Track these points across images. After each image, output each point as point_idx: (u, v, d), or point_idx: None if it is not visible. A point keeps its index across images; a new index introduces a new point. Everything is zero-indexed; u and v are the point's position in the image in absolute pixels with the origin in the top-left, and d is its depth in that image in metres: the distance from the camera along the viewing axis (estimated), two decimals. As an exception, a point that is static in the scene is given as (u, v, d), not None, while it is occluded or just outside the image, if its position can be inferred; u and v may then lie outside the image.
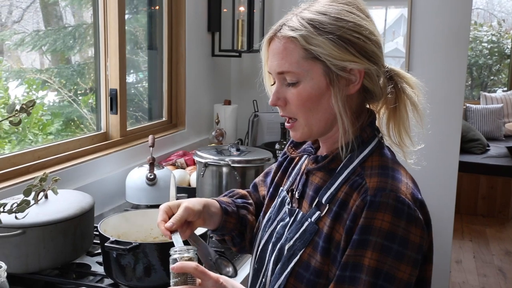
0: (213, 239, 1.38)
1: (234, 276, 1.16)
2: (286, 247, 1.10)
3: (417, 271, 1.01)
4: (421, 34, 3.02)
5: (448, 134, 3.03)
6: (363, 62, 1.04)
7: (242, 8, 3.06)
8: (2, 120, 1.10)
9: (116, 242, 1.40)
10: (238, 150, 2.03)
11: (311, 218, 1.09)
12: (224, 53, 3.13)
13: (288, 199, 1.20)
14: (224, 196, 1.38)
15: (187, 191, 2.23)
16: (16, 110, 1.12)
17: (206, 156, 1.99)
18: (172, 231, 1.12)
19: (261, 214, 1.30)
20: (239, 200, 1.34)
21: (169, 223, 1.12)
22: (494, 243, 4.92)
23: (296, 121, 1.10)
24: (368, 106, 1.15)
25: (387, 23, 3.16)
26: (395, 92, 1.12)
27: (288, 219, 1.16)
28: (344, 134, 1.08)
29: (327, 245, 1.04)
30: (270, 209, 1.25)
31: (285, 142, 2.81)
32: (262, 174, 1.43)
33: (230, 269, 1.17)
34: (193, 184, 2.29)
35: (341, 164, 1.09)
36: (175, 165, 2.48)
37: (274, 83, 1.12)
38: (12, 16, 2.90)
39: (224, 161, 1.94)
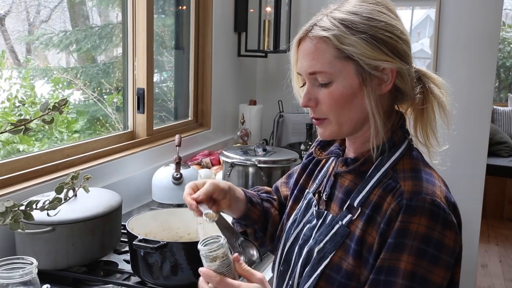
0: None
1: (259, 261, 1.19)
2: (316, 250, 1.09)
3: (449, 274, 1.01)
4: (449, 35, 2.99)
5: (475, 137, 2.98)
6: (396, 61, 1.04)
7: (268, 9, 3.06)
8: (35, 118, 1.12)
9: (144, 240, 1.41)
10: (264, 150, 2.03)
11: (342, 221, 1.08)
12: (250, 53, 3.13)
13: (315, 201, 1.18)
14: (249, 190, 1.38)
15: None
16: (49, 109, 1.13)
17: (232, 156, 1.99)
18: (198, 202, 1.13)
19: (285, 216, 1.29)
20: (264, 194, 1.36)
21: (195, 194, 1.14)
22: (520, 248, 4.86)
23: (326, 119, 1.09)
24: (397, 107, 1.14)
25: (412, 24, 3.13)
26: (423, 92, 1.11)
27: (315, 221, 1.15)
28: (376, 134, 1.07)
29: (359, 247, 1.04)
30: (296, 211, 1.24)
31: (310, 143, 2.79)
32: (284, 176, 1.42)
33: (254, 253, 1.16)
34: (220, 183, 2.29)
35: (372, 167, 1.08)
36: (201, 165, 2.49)
37: (303, 85, 1.12)
38: (40, 15, 2.94)
39: (251, 161, 1.94)
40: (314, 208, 1.17)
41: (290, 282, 1.15)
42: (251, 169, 1.94)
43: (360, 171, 1.10)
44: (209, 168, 2.46)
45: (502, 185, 5.44)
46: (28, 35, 2.79)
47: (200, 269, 1.01)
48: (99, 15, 3.09)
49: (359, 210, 1.06)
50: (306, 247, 1.12)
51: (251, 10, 3.09)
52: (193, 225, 1.60)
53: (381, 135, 1.07)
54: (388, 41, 1.04)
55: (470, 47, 2.96)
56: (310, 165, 1.30)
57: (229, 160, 1.98)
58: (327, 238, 1.09)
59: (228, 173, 1.98)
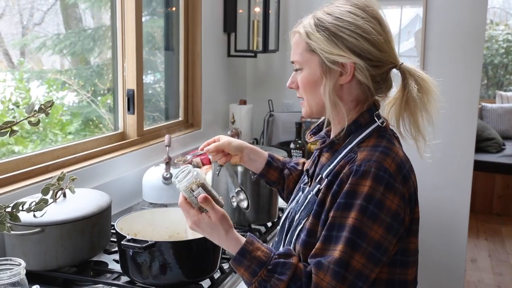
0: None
1: (247, 210, 1.53)
2: (295, 219, 1.27)
3: (391, 237, 1.13)
4: (435, 33, 3.01)
5: (463, 133, 3.01)
6: (351, 57, 1.19)
7: (257, 9, 3.08)
8: (21, 120, 1.13)
9: (133, 240, 1.42)
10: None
11: (312, 191, 1.26)
12: (240, 54, 3.15)
13: (306, 179, 1.36)
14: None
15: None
16: (35, 111, 1.14)
17: (221, 156, 2.00)
18: (209, 152, 1.50)
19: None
20: (291, 164, 1.59)
21: (206, 143, 1.50)
22: (509, 242, 4.89)
23: (303, 100, 1.30)
24: (377, 97, 1.29)
25: (402, 23, 3.15)
26: (402, 87, 1.25)
27: (300, 195, 1.33)
28: (341, 117, 1.24)
29: (319, 208, 1.20)
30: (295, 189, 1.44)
31: (300, 142, 2.82)
32: None
33: (244, 203, 1.53)
34: (209, 183, 2.31)
35: (342, 145, 1.25)
36: (192, 164, 2.51)
37: None
38: (33, 18, 2.95)
39: (239, 160, 1.95)
40: (302, 185, 1.36)
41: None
42: (240, 168, 1.96)
43: (334, 150, 1.27)
44: (200, 168, 2.48)
45: (491, 181, 5.49)
46: (22, 38, 2.80)
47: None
48: (92, 18, 3.11)
49: (325, 180, 1.21)
50: (290, 217, 1.31)
51: (240, 11, 3.11)
52: (182, 224, 1.62)
53: (348, 118, 1.24)
54: (348, 39, 1.19)
55: (456, 45, 2.98)
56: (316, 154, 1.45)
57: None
58: (302, 207, 1.27)
59: (217, 172, 2.00)
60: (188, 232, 1.60)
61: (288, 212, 1.35)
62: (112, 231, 1.69)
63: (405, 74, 1.25)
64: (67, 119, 2.78)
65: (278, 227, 1.40)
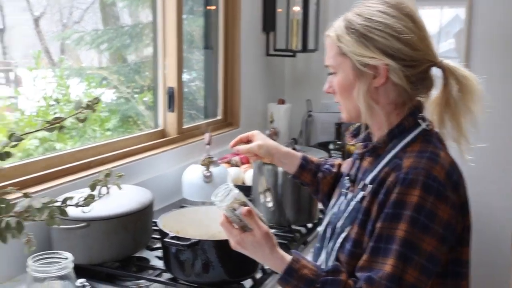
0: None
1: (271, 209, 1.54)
2: (338, 226, 1.23)
3: (444, 248, 1.09)
4: (479, 34, 2.95)
5: (508, 137, 2.94)
6: (383, 59, 1.14)
7: (297, 8, 3.06)
8: (69, 117, 1.14)
9: (176, 238, 1.43)
10: (293, 149, 2.03)
11: (356, 198, 1.21)
12: (279, 53, 3.14)
13: (347, 184, 1.32)
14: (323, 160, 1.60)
15: (242, 189, 2.24)
16: (82, 107, 1.15)
17: (262, 155, 1.99)
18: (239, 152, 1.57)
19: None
20: (326, 166, 1.55)
21: (238, 139, 1.63)
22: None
23: (341, 105, 1.27)
24: (420, 98, 1.24)
25: (441, 23, 3.09)
26: (442, 85, 1.21)
27: (342, 200, 1.29)
28: (377, 122, 1.20)
29: (365, 217, 1.15)
30: (336, 194, 1.39)
31: (339, 142, 2.79)
32: None
33: (270, 203, 1.60)
34: (248, 182, 2.31)
35: (386, 150, 1.20)
36: (230, 163, 2.50)
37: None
38: (72, 16, 2.99)
39: (280, 160, 1.93)
40: (344, 190, 1.31)
41: (322, 257, 1.28)
42: (280, 168, 1.94)
43: (377, 154, 1.22)
44: (238, 167, 2.47)
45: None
46: (61, 34, 2.85)
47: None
48: (129, 16, 3.14)
49: (369, 187, 1.17)
50: (332, 224, 1.27)
51: (279, 10, 3.10)
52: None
53: (389, 121, 1.20)
54: (378, 40, 1.15)
55: (501, 45, 2.91)
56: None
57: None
58: (345, 214, 1.22)
59: (257, 171, 1.99)
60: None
61: (330, 218, 1.32)
62: (154, 228, 1.70)
63: (446, 72, 1.20)
64: (105, 116, 2.81)
65: (320, 232, 1.35)
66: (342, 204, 1.28)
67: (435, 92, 1.23)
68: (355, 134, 1.35)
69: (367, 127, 1.29)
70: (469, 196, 1.19)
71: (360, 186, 1.22)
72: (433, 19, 3.05)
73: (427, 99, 1.24)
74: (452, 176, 1.12)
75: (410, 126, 1.19)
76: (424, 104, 1.24)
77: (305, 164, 1.53)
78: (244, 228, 1.17)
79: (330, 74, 1.26)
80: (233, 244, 1.19)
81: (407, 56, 1.15)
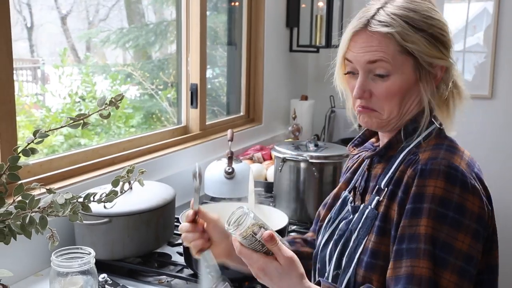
0: None
1: None
2: (352, 239, 1.09)
3: (480, 245, 0.97)
4: (509, 28, 2.89)
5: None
6: (447, 59, 1.09)
7: (320, 4, 3.04)
8: (93, 113, 1.15)
9: (197, 233, 1.43)
10: (316, 145, 2.03)
11: (370, 205, 1.09)
12: (302, 49, 3.13)
13: (351, 198, 1.19)
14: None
15: (264, 185, 2.25)
16: (106, 104, 1.16)
17: (284, 151, 1.99)
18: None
19: (320, 221, 1.28)
20: (287, 241, 1.29)
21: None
22: None
23: (376, 111, 1.10)
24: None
25: (468, 17, 3.04)
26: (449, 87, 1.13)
27: (351, 216, 1.14)
28: (407, 122, 1.11)
29: (382, 224, 1.04)
30: (331, 212, 1.24)
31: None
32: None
33: None
34: (270, 178, 2.31)
35: (398, 149, 1.11)
36: (252, 159, 2.51)
37: (348, 72, 1.14)
38: (98, 14, 3.03)
39: (302, 156, 1.93)
40: (350, 205, 1.17)
41: (326, 275, 1.14)
42: (302, 164, 1.94)
43: (388, 157, 1.13)
44: (261, 163, 2.47)
45: None
46: (87, 32, 2.88)
47: (232, 238, 1.03)
48: (154, 13, 3.16)
49: (385, 190, 1.07)
50: (343, 239, 1.12)
51: (303, 5, 3.09)
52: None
53: (404, 119, 1.11)
54: (442, 39, 1.08)
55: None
56: (346, 174, 1.29)
57: (281, 155, 1.99)
58: (360, 225, 1.09)
59: (279, 168, 1.99)
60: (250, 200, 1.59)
61: (331, 234, 1.17)
62: (176, 224, 1.71)
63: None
64: (129, 113, 2.84)
65: (317, 256, 1.19)
66: (353, 218, 1.13)
67: None
68: (357, 144, 1.25)
69: (370, 135, 1.23)
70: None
71: (374, 191, 1.11)
72: (460, 13, 3.00)
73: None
74: (473, 167, 1.04)
75: (424, 124, 1.10)
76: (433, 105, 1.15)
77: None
78: (266, 254, 1.01)
79: (348, 73, 1.13)
80: (255, 271, 0.99)
81: (451, 55, 1.12)
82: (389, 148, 1.12)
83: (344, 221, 1.16)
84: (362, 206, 1.12)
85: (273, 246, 0.97)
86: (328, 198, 1.31)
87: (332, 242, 1.15)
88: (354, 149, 1.23)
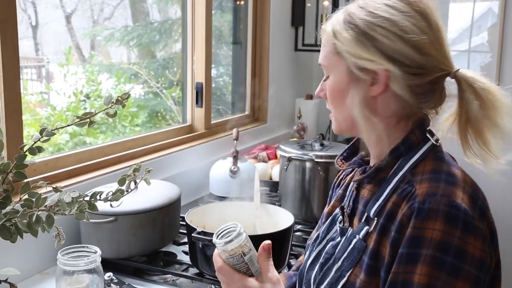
0: None
1: None
2: (334, 268, 1.01)
3: None
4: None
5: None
6: (383, 63, 0.93)
7: (326, 3, 3.03)
8: (99, 112, 1.15)
9: (203, 233, 1.43)
10: (321, 145, 2.02)
11: (359, 235, 0.99)
12: (307, 48, 3.12)
13: (340, 217, 1.09)
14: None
15: (269, 184, 2.24)
16: (112, 102, 1.16)
17: (290, 151, 1.99)
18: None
19: (309, 238, 1.21)
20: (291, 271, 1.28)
21: None
22: None
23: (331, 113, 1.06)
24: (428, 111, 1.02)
25: (474, 17, 3.03)
26: (459, 100, 0.97)
27: (339, 238, 1.05)
28: (376, 137, 1.00)
29: (373, 262, 0.93)
30: (320, 229, 1.15)
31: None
32: None
33: None
34: (275, 177, 2.30)
35: (390, 172, 0.98)
36: (257, 159, 2.50)
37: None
38: (103, 13, 3.03)
39: (308, 155, 1.93)
40: (339, 225, 1.08)
41: None
42: (308, 164, 1.94)
43: (379, 179, 1.00)
44: (266, 162, 2.47)
45: None
46: (92, 30, 2.89)
47: (214, 253, 1.00)
48: (158, 12, 3.17)
49: (375, 221, 0.96)
50: (327, 265, 1.04)
51: (308, 5, 3.08)
52: (250, 219, 1.62)
53: (392, 137, 0.99)
54: (380, 40, 0.94)
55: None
56: (339, 190, 1.18)
57: (286, 155, 1.98)
58: (345, 255, 1.00)
59: (285, 167, 1.99)
60: (256, 227, 1.59)
61: (318, 255, 1.08)
62: (181, 222, 1.71)
63: (462, 84, 0.95)
64: (134, 111, 2.85)
65: (302, 274, 1.12)
66: (340, 241, 1.04)
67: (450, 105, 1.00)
68: (346, 157, 1.13)
69: (357, 148, 1.12)
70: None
71: (363, 219, 1.00)
72: (465, 13, 2.99)
73: (440, 113, 1.02)
74: (477, 200, 0.91)
75: (418, 142, 0.98)
76: (429, 116, 1.02)
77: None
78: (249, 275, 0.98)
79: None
80: None
81: (413, 62, 0.94)
82: (380, 170, 1.00)
83: (331, 243, 1.07)
84: (350, 231, 1.03)
85: (267, 260, 0.96)
86: (322, 217, 1.20)
87: (318, 265, 1.07)
88: (343, 163, 1.12)
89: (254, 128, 2.76)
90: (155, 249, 1.60)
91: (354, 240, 0.99)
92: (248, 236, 0.97)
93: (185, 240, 1.68)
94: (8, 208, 1.00)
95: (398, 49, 0.93)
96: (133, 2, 3.06)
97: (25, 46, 2.51)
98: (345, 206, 1.09)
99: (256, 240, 1.16)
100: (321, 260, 1.06)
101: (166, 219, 1.59)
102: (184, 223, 1.52)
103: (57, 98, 2.76)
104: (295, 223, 1.62)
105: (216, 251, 0.99)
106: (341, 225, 1.07)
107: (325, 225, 1.13)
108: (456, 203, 0.87)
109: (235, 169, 2.10)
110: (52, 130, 1.06)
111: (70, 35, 2.75)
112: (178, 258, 1.65)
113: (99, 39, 3.03)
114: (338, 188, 1.19)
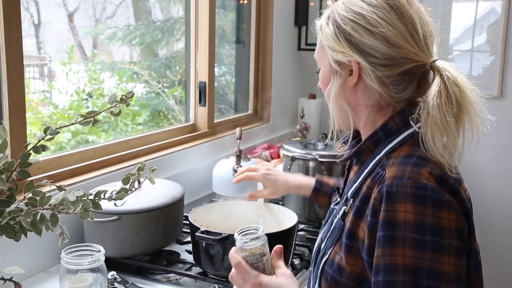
0: None
1: None
2: (321, 247, 1.09)
3: (463, 260, 0.90)
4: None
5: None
6: (352, 55, 1.00)
7: (329, 2, 3.03)
8: (104, 110, 1.15)
9: (206, 232, 1.43)
10: (325, 144, 2.02)
11: (338, 215, 1.06)
12: (311, 47, 3.12)
13: (337, 198, 1.18)
14: None
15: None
16: (116, 101, 1.16)
17: (293, 150, 1.99)
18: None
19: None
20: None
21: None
22: None
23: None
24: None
25: (476, 17, 3.02)
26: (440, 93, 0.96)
27: (330, 218, 1.14)
28: (364, 124, 1.06)
29: (349, 242, 0.99)
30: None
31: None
32: None
33: None
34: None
35: (370, 156, 1.03)
36: (260, 158, 2.50)
37: None
38: (105, 12, 3.03)
39: (311, 155, 1.93)
40: (332, 205, 1.17)
41: (312, 282, 1.13)
42: (311, 163, 1.93)
43: (362, 162, 1.06)
44: (269, 161, 2.46)
45: None
46: (94, 29, 2.88)
47: (232, 250, 1.03)
48: (161, 11, 3.16)
49: (351, 201, 1.03)
50: (320, 246, 1.10)
51: (312, 4, 3.08)
52: (253, 218, 1.61)
53: (375, 124, 1.04)
54: (351, 33, 1.00)
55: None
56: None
57: (290, 154, 1.98)
58: (328, 234, 1.07)
59: (288, 166, 1.98)
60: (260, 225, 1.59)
61: (321, 238, 1.14)
62: (185, 222, 1.70)
63: (435, 75, 0.98)
64: (136, 110, 2.84)
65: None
66: (328, 222, 1.12)
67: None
68: (347, 140, 1.17)
69: (356, 134, 1.15)
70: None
71: (343, 199, 1.07)
72: (468, 13, 2.99)
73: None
74: (446, 180, 0.93)
75: (398, 128, 1.01)
76: (417, 102, 1.03)
77: (319, 188, 1.53)
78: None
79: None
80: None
81: (382, 54, 0.98)
82: (360, 153, 1.05)
83: (326, 224, 1.14)
84: (334, 212, 1.11)
85: (279, 260, 1.01)
86: None
87: (316, 246, 1.14)
88: (343, 145, 1.18)
89: (256, 127, 2.76)
90: (158, 248, 1.60)
91: (335, 220, 1.06)
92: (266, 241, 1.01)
93: (189, 239, 1.68)
94: (13, 207, 1.00)
95: (366, 42, 0.99)
96: (136, 1, 3.06)
97: (27, 45, 2.51)
98: (339, 187, 1.18)
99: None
100: (318, 241, 1.14)
101: (169, 218, 1.59)
102: (188, 222, 1.51)
103: (59, 96, 2.75)
104: (299, 222, 1.62)
105: (234, 248, 1.02)
106: (332, 205, 1.16)
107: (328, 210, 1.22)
108: (421, 183, 0.90)
109: (238, 168, 2.10)
110: (56, 128, 1.06)
111: (72, 33, 2.74)
112: (181, 257, 1.65)
113: (102, 37, 3.03)
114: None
